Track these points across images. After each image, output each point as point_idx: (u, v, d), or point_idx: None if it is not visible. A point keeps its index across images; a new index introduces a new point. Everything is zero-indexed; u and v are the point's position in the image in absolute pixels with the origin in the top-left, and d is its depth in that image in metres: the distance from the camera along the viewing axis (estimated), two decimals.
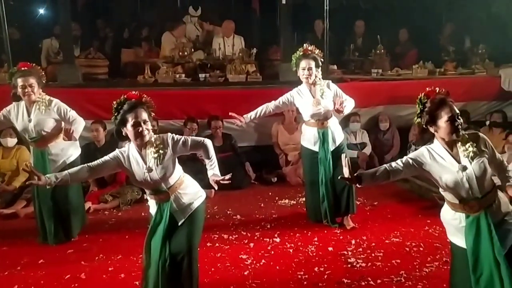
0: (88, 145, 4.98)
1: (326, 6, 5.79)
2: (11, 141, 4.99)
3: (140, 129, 2.61)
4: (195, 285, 2.84)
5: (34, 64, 3.89)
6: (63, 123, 3.81)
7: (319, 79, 4.02)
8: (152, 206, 2.85)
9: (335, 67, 6.30)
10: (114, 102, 2.67)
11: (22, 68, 3.71)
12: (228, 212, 4.65)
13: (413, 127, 5.64)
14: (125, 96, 2.67)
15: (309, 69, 3.94)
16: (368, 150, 5.92)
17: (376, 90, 6.00)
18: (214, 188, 2.87)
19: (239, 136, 5.69)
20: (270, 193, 5.24)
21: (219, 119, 5.57)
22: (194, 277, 2.81)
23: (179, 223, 2.76)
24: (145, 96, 2.72)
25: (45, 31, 6.89)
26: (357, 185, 2.42)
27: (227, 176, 2.77)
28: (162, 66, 6.05)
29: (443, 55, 6.91)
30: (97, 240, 3.98)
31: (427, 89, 2.43)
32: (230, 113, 4.10)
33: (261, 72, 6.23)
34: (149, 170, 2.68)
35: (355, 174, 2.42)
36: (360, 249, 3.69)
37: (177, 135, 2.78)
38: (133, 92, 2.69)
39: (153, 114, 2.73)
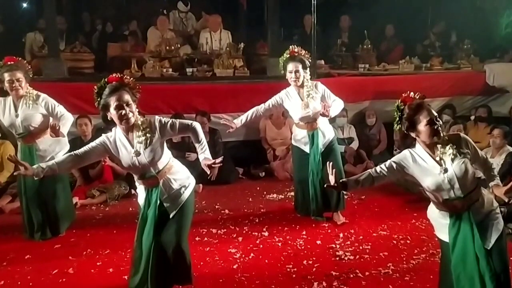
0: (74, 140, 4.91)
1: (314, 1, 5.80)
2: None
3: (124, 112, 2.55)
4: (188, 275, 2.85)
5: (20, 58, 3.80)
6: (51, 118, 3.75)
7: (307, 80, 4.00)
8: (141, 193, 2.82)
9: (322, 62, 6.33)
10: (95, 87, 2.62)
11: (8, 62, 3.61)
12: (216, 206, 4.65)
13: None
14: (106, 80, 2.61)
15: (296, 72, 3.92)
16: (355, 145, 5.97)
17: (363, 85, 6.05)
18: (210, 175, 2.81)
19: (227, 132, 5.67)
20: (258, 188, 5.25)
21: (205, 115, 5.53)
22: (186, 269, 2.82)
23: (171, 216, 2.74)
24: (127, 77, 2.66)
25: (28, 25, 6.78)
26: (343, 191, 2.44)
27: (219, 159, 2.73)
28: (149, 60, 6.00)
29: (429, 51, 6.99)
30: (84, 235, 3.94)
31: (403, 95, 2.45)
32: (222, 120, 4.06)
33: (248, 67, 6.22)
34: (137, 154, 2.63)
35: (340, 181, 2.48)
36: (348, 242, 3.72)
37: (165, 118, 2.74)
38: (114, 75, 2.64)
39: (138, 95, 2.66)
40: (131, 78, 2.69)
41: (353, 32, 7.06)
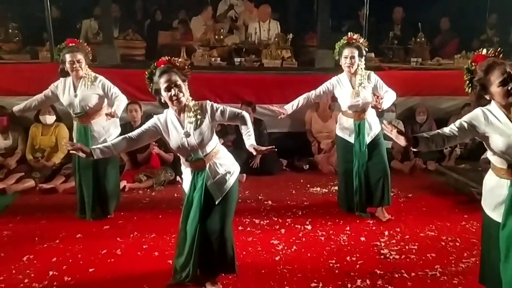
0: (124, 125, 5.03)
1: None
2: (50, 119, 5.12)
3: (173, 92, 2.61)
4: (231, 264, 2.89)
5: (81, 41, 4.00)
6: (106, 100, 3.90)
7: (361, 69, 3.92)
8: (187, 177, 2.84)
9: (372, 55, 6.17)
10: (146, 72, 2.70)
11: (70, 44, 3.80)
12: (260, 197, 4.66)
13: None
14: (155, 64, 2.68)
15: (352, 57, 3.84)
16: None
17: (414, 80, 5.86)
18: (253, 163, 2.80)
19: (272, 122, 5.65)
20: (301, 180, 5.21)
21: (251, 105, 5.52)
22: (229, 257, 2.85)
23: (216, 202, 2.77)
24: (176, 59, 2.71)
25: (84, 12, 7.00)
26: (412, 147, 2.31)
27: (268, 148, 2.70)
28: (198, 49, 6.07)
29: (486, 46, 6.65)
30: (132, 218, 4.06)
31: (475, 53, 2.31)
32: (272, 107, 4.04)
33: (296, 58, 6.17)
34: (187, 135, 2.69)
35: (412, 136, 2.31)
36: (394, 241, 3.63)
37: (216, 104, 2.78)
38: (162, 58, 2.70)
39: (188, 75, 2.71)
40: (179, 59, 2.74)
41: (406, 25, 6.85)
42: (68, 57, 3.75)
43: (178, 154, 2.86)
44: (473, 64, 2.30)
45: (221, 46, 6.24)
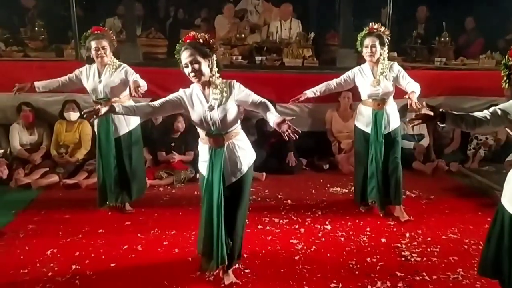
0: (145, 122, 5.10)
1: None
2: (74, 115, 5.21)
3: (190, 69, 2.64)
4: (239, 252, 3.01)
5: (106, 28, 4.11)
6: (127, 89, 3.97)
7: (384, 58, 3.89)
8: (204, 156, 2.85)
9: (395, 54, 6.09)
10: (177, 46, 2.73)
11: (96, 31, 3.89)
12: (279, 196, 4.65)
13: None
14: (182, 39, 2.71)
15: (373, 46, 3.83)
16: (425, 141, 5.71)
17: (438, 80, 5.75)
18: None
19: (292, 121, 5.56)
20: (321, 180, 5.18)
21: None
22: (238, 246, 2.95)
23: (227, 184, 2.80)
24: (200, 34, 2.71)
25: (108, 10, 7.10)
26: (439, 123, 2.25)
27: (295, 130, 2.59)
28: (220, 47, 6.08)
29: None
30: (152, 214, 4.10)
31: None
32: (290, 101, 4.06)
33: (317, 57, 6.14)
34: (211, 108, 2.71)
35: (439, 110, 2.25)
36: (415, 243, 3.59)
37: (243, 86, 2.80)
38: (189, 34, 2.72)
39: (214, 49, 2.70)
40: (205, 34, 2.74)
41: (430, 24, 6.74)
42: (93, 43, 3.84)
43: (198, 129, 2.87)
44: (509, 58, 2.25)
45: (242, 45, 6.25)
